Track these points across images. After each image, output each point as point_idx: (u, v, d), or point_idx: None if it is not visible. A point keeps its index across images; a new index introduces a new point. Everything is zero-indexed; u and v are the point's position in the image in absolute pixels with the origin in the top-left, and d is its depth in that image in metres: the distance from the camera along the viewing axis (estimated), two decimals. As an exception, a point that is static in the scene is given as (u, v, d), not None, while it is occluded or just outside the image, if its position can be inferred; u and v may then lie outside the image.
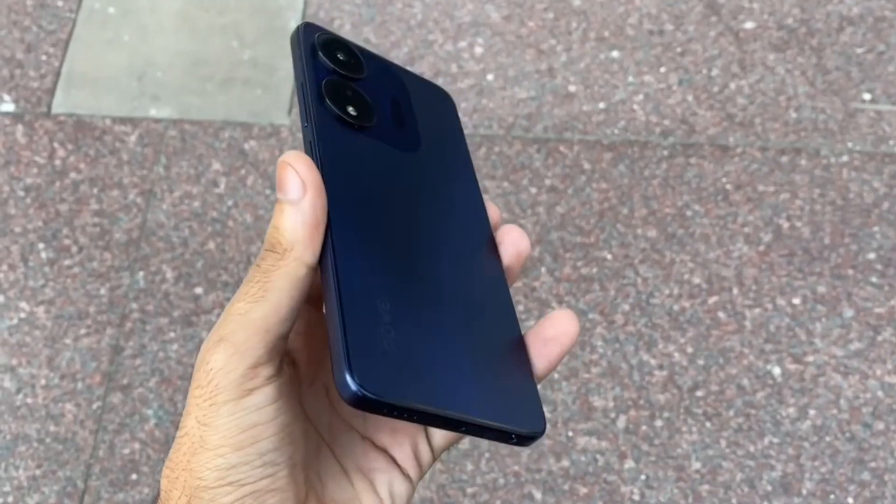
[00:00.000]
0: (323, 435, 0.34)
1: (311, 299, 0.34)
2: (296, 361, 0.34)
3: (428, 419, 0.29)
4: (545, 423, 0.32)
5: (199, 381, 0.30)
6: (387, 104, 0.36)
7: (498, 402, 0.31)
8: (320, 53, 0.35)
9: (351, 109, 0.34)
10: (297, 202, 0.30)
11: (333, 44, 0.36)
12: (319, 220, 0.30)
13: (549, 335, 0.34)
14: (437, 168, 0.37)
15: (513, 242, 0.36)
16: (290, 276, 0.30)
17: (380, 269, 0.32)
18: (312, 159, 0.32)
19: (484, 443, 0.97)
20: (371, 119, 0.35)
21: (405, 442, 0.33)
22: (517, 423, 0.31)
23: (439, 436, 0.34)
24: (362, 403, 0.27)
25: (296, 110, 1.17)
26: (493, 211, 0.37)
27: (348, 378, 0.27)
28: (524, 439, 0.31)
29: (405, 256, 0.33)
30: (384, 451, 0.33)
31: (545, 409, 0.97)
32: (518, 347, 0.34)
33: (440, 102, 0.40)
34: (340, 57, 0.36)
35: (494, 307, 0.34)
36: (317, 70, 0.35)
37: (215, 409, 0.29)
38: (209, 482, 0.29)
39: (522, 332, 0.35)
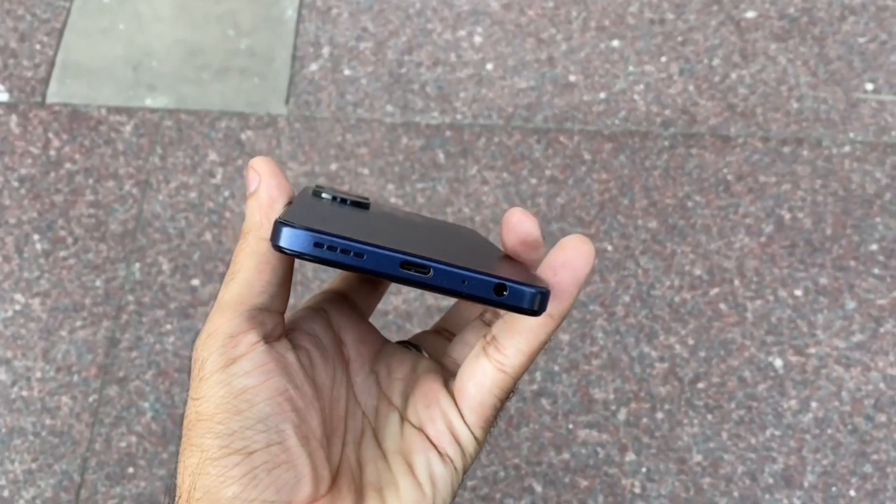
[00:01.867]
0: (370, 419, 0.34)
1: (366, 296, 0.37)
2: (345, 351, 0.35)
3: (384, 263, 0.27)
4: (548, 288, 0.28)
5: (191, 366, 0.31)
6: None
7: (473, 259, 0.28)
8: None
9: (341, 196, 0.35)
10: (255, 192, 0.33)
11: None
12: (274, 197, 0.32)
13: (559, 262, 0.29)
14: (442, 235, 0.36)
15: (511, 227, 0.30)
16: (253, 253, 0.31)
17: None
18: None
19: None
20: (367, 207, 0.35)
21: (437, 417, 0.32)
22: (507, 278, 0.27)
23: (468, 409, 0.31)
24: (290, 239, 0.27)
25: (293, 100, 1.16)
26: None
27: (281, 228, 0.27)
28: (522, 296, 0.27)
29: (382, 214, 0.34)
30: (420, 430, 0.32)
31: (544, 401, 0.97)
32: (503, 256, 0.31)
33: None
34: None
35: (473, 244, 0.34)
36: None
37: (204, 383, 0.30)
38: (212, 452, 0.28)
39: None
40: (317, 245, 0.27)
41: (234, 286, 0.31)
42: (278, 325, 0.32)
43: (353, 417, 0.33)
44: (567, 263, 0.29)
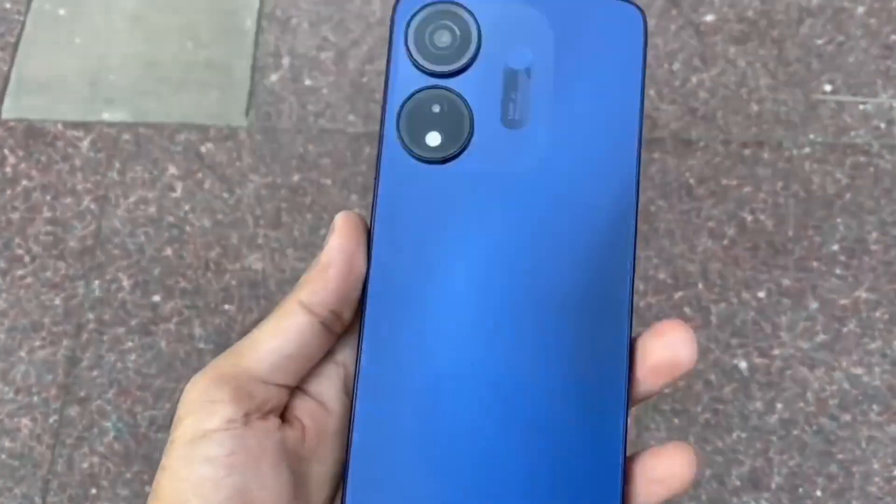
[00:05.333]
0: None
1: None
2: None
3: None
4: None
5: (176, 412, 0.28)
6: (509, 98, 0.27)
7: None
8: (411, 46, 0.27)
9: (434, 137, 0.27)
10: (328, 249, 0.27)
11: (436, 20, 0.27)
12: (332, 261, 0.27)
13: (657, 475, 0.26)
14: (568, 200, 0.27)
15: (671, 345, 0.27)
16: (279, 314, 0.27)
17: (418, 372, 0.25)
18: (371, 221, 0.27)
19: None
20: (466, 139, 0.27)
21: None
22: None
23: None
24: None
25: (254, 111, 1.15)
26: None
27: None
28: None
29: (464, 366, 0.25)
30: None
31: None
32: (609, 489, 0.25)
33: (611, 47, 0.27)
34: (442, 41, 0.27)
35: (588, 441, 0.25)
36: (399, 79, 0.27)
37: (173, 449, 0.27)
38: None
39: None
40: None
41: (247, 338, 0.28)
42: (273, 398, 0.28)
43: None
44: (664, 481, 0.26)
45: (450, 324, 0.26)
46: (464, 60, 0.27)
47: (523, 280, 0.26)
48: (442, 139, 0.27)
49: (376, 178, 0.27)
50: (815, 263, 1.07)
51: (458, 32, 0.27)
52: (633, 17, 0.27)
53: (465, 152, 0.27)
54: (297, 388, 0.29)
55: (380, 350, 0.26)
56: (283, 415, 0.29)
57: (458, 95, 0.27)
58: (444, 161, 0.27)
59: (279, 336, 0.27)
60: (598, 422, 0.26)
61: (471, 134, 0.27)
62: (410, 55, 0.28)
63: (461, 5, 0.27)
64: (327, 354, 0.30)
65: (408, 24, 0.28)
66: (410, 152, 0.27)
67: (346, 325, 0.29)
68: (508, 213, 0.26)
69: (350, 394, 0.28)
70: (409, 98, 0.27)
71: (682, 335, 0.27)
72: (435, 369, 0.26)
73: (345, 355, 0.29)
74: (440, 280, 0.26)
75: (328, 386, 0.29)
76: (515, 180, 0.26)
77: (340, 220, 0.28)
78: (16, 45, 1.19)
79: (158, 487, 0.27)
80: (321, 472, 0.28)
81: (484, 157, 0.27)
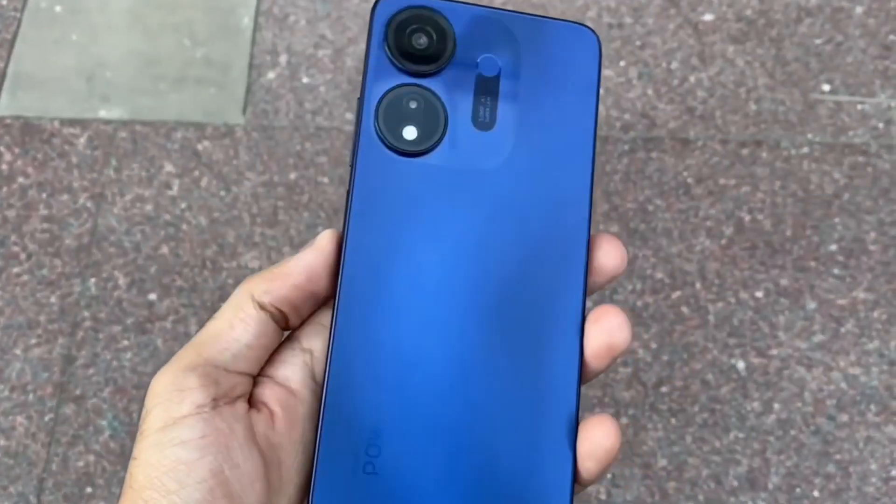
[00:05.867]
0: None
1: None
2: None
3: None
4: None
5: (143, 409, 0.28)
6: (479, 101, 0.29)
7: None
8: (389, 45, 0.28)
9: (410, 131, 0.28)
10: (300, 260, 0.28)
11: (414, 23, 0.29)
12: (291, 271, 0.28)
13: (600, 450, 0.28)
14: (532, 194, 0.29)
15: (605, 329, 0.28)
16: (237, 304, 0.28)
17: (387, 359, 0.27)
18: (345, 210, 0.28)
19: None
20: (439, 135, 0.28)
21: None
22: None
23: None
24: None
25: (251, 109, 1.14)
26: (614, 255, 0.29)
27: None
28: None
29: (430, 350, 0.27)
30: None
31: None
32: (561, 464, 0.27)
33: (569, 64, 0.30)
34: (418, 43, 0.29)
35: (544, 413, 0.27)
36: (378, 77, 0.28)
37: (143, 439, 0.27)
38: None
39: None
40: None
41: (204, 332, 0.29)
42: (238, 385, 0.29)
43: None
44: (591, 454, 0.28)
45: (418, 301, 0.27)
46: (439, 63, 0.29)
47: (486, 269, 0.28)
48: (418, 134, 0.28)
49: (352, 167, 0.28)
50: (812, 263, 1.07)
51: (434, 36, 0.29)
52: (590, 38, 0.30)
53: (438, 148, 0.29)
54: (263, 376, 0.30)
55: (352, 327, 0.27)
56: (252, 402, 0.29)
57: (434, 94, 0.29)
58: (419, 155, 0.28)
59: (236, 327, 0.28)
60: (552, 397, 0.28)
61: (445, 131, 0.29)
62: (389, 54, 0.29)
63: (438, 11, 0.29)
64: (293, 341, 0.31)
65: (387, 25, 0.29)
66: (387, 144, 0.28)
67: (293, 327, 0.30)
68: (476, 207, 0.28)
69: (317, 379, 0.30)
70: (388, 91, 0.28)
71: (616, 321, 0.29)
72: (403, 346, 0.27)
73: (311, 342, 0.30)
74: (410, 264, 0.28)
75: (294, 372, 0.30)
76: (483, 177, 0.28)
77: (325, 239, 0.29)
78: (12, 42, 1.19)
79: (131, 478, 0.27)
80: (293, 457, 0.29)
81: (456, 153, 0.29)
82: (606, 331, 0.29)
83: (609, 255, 0.29)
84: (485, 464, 0.26)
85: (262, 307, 0.29)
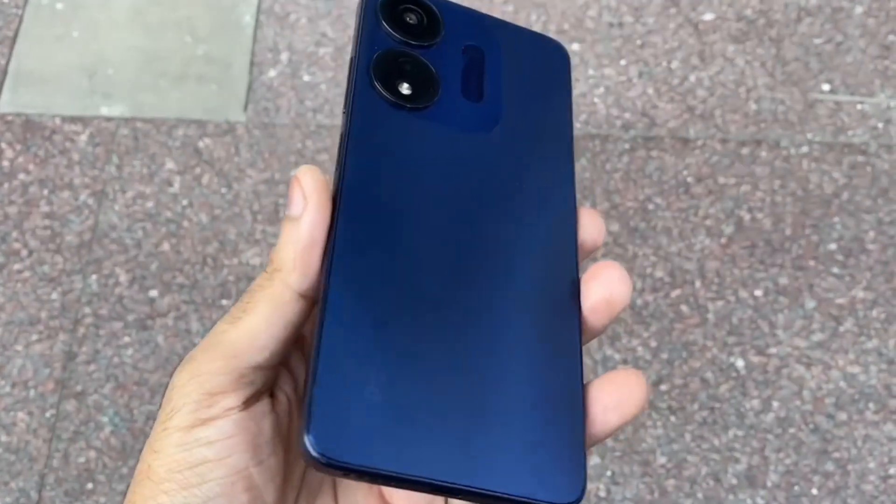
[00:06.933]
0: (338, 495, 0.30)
1: None
2: None
3: (417, 486, 0.24)
4: (583, 490, 0.26)
5: (163, 401, 0.27)
6: (468, 76, 0.30)
7: (517, 469, 0.26)
8: (382, 18, 0.30)
9: (405, 87, 0.29)
10: (297, 218, 0.27)
11: (404, 3, 0.30)
12: (316, 239, 0.27)
13: (612, 402, 0.27)
14: (520, 162, 0.30)
15: (605, 284, 0.28)
16: (273, 300, 0.27)
17: (385, 304, 0.26)
18: (339, 158, 0.28)
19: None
20: (432, 97, 0.29)
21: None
22: (541, 492, 0.25)
23: None
24: (323, 468, 0.24)
25: (252, 106, 1.15)
26: (594, 227, 0.30)
27: (306, 439, 0.23)
28: None
29: (432, 292, 0.27)
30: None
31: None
32: (570, 407, 0.27)
33: (546, 66, 0.32)
34: (409, 20, 0.30)
35: (548, 361, 0.27)
36: (373, 41, 0.29)
37: (167, 436, 0.27)
38: None
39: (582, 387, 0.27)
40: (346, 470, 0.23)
41: (238, 330, 0.27)
42: (269, 380, 0.28)
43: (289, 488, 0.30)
44: (620, 406, 0.27)
45: (415, 241, 0.28)
46: (430, 40, 0.30)
47: (481, 218, 0.29)
48: (412, 92, 0.29)
49: (348, 117, 0.29)
50: (812, 262, 1.07)
51: (425, 18, 0.31)
52: (561, 49, 0.33)
53: (432, 108, 0.29)
54: (281, 367, 0.29)
55: (352, 258, 0.27)
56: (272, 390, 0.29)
57: (427, 62, 0.30)
58: (413, 111, 0.29)
59: (275, 323, 0.27)
60: (556, 350, 0.28)
61: (438, 94, 0.30)
62: (383, 24, 0.30)
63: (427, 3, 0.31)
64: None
65: (380, 3, 0.31)
66: (382, 96, 0.29)
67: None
68: (469, 163, 0.29)
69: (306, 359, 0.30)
70: (384, 51, 0.30)
71: (615, 274, 0.28)
72: (402, 283, 0.27)
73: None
74: (404, 209, 0.28)
75: (299, 358, 0.30)
76: (475, 140, 0.30)
77: (310, 185, 0.27)
78: (14, 39, 1.19)
79: (150, 470, 0.26)
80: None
81: (448, 117, 0.30)
82: (605, 285, 0.28)
83: (588, 230, 0.30)
84: (496, 404, 0.26)
85: (303, 296, 0.27)
